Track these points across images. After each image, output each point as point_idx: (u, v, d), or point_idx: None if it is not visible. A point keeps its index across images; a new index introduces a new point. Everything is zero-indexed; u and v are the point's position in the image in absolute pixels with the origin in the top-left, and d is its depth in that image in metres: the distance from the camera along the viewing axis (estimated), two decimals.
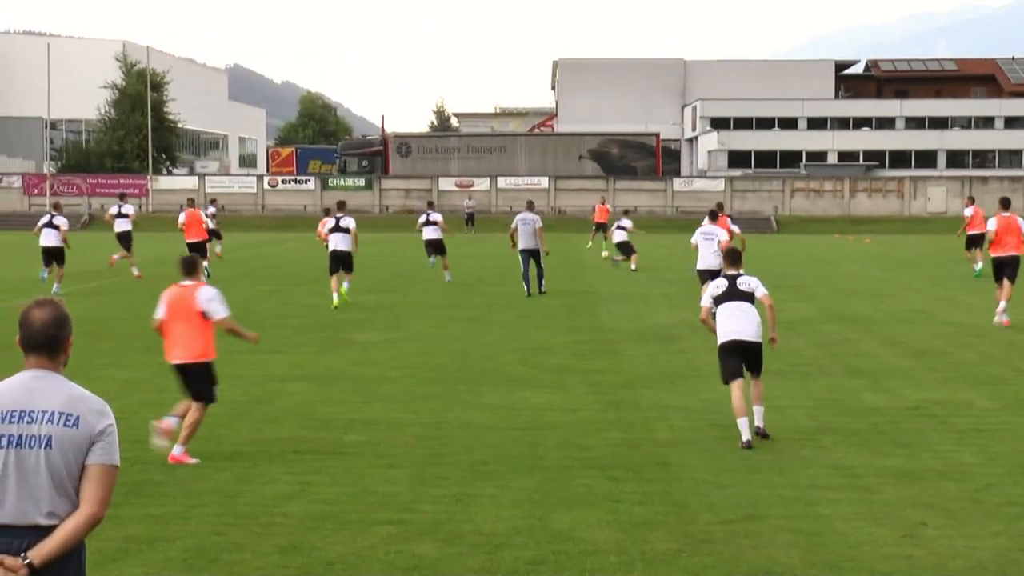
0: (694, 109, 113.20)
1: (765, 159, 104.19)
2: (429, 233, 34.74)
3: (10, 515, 4.83)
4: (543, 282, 29.47)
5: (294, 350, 19.30)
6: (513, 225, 29.50)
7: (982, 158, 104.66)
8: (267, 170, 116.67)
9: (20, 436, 4.88)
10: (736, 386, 12.29)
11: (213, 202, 48.53)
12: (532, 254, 29.24)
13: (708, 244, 24.04)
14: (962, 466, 11.23)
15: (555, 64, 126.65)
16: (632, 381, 16.24)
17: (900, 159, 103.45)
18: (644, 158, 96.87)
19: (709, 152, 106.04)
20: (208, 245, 36.21)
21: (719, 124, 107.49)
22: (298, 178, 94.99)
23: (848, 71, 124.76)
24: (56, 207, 33.15)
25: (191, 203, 35.83)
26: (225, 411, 13.80)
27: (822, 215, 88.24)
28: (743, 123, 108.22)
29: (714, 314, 12.69)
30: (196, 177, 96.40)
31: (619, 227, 41.48)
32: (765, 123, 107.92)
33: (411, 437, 12.50)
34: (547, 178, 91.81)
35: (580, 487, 10.41)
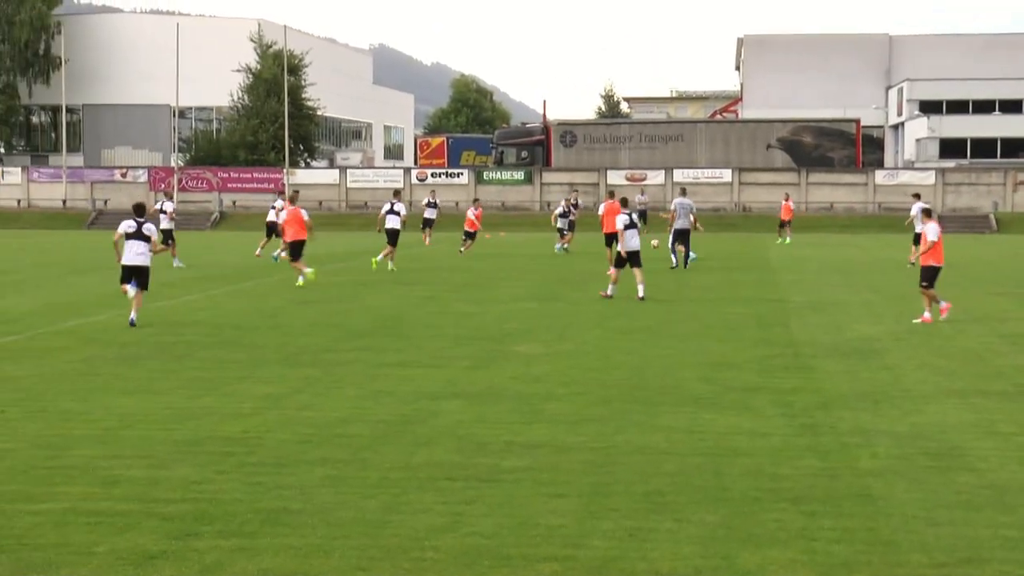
0: (900, 91, 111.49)
1: (983, 148, 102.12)
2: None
3: None
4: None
5: (449, 364, 19.48)
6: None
7: None
8: (415, 162, 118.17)
9: None
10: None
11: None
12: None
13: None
14: None
15: (740, 42, 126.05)
16: (829, 402, 16.03)
17: None
18: (842, 147, 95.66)
19: (917, 140, 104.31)
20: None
21: (929, 108, 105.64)
22: (450, 171, 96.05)
23: None
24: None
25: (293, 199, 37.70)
26: (371, 432, 13.99)
27: None
28: (957, 106, 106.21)
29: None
30: (337, 170, 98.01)
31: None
32: (983, 106, 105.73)
33: (578, 463, 12.51)
34: (730, 170, 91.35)
35: (771, 522, 10.30)
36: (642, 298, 29.83)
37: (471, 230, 50.59)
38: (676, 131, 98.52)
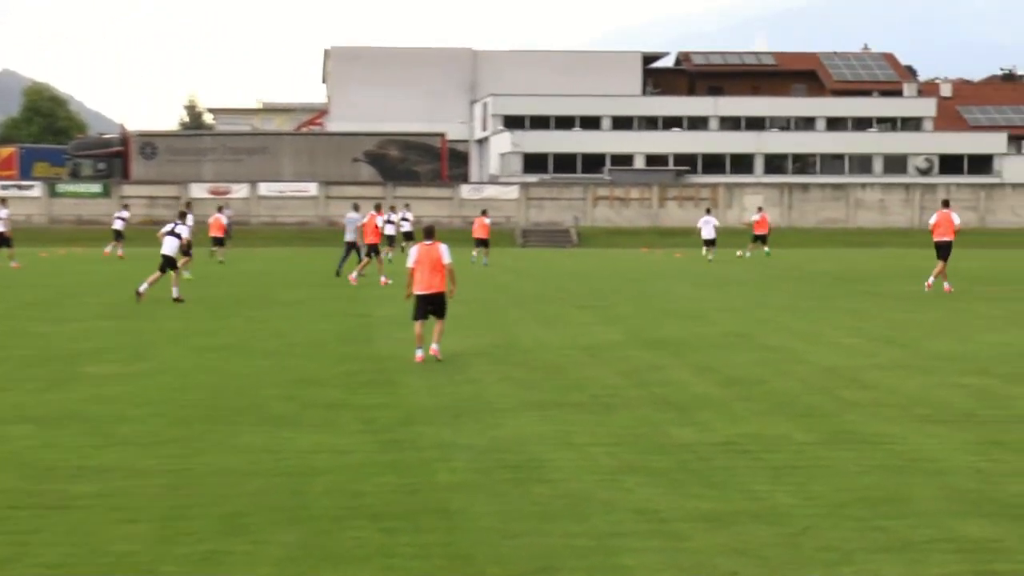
0: (484, 106, 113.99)
1: (564, 163, 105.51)
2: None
3: None
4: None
5: (16, 387, 18.79)
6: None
7: (803, 163, 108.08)
8: None
9: None
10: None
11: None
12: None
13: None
14: (777, 507, 11.56)
15: (326, 53, 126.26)
16: (411, 417, 16.26)
17: (714, 163, 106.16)
18: (428, 161, 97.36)
19: (501, 155, 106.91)
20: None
21: (513, 123, 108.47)
22: (21, 183, 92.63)
23: (656, 64, 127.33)
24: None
25: None
26: None
27: (628, 226, 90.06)
28: (540, 122, 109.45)
29: None
30: None
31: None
32: (564, 122, 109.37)
33: (153, 486, 12.29)
34: (316, 184, 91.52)
35: (349, 540, 10.38)
36: (176, 299, 33.26)
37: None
38: (261, 144, 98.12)
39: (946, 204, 40.47)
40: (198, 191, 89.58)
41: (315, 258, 61.08)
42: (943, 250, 38.42)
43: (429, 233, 22.34)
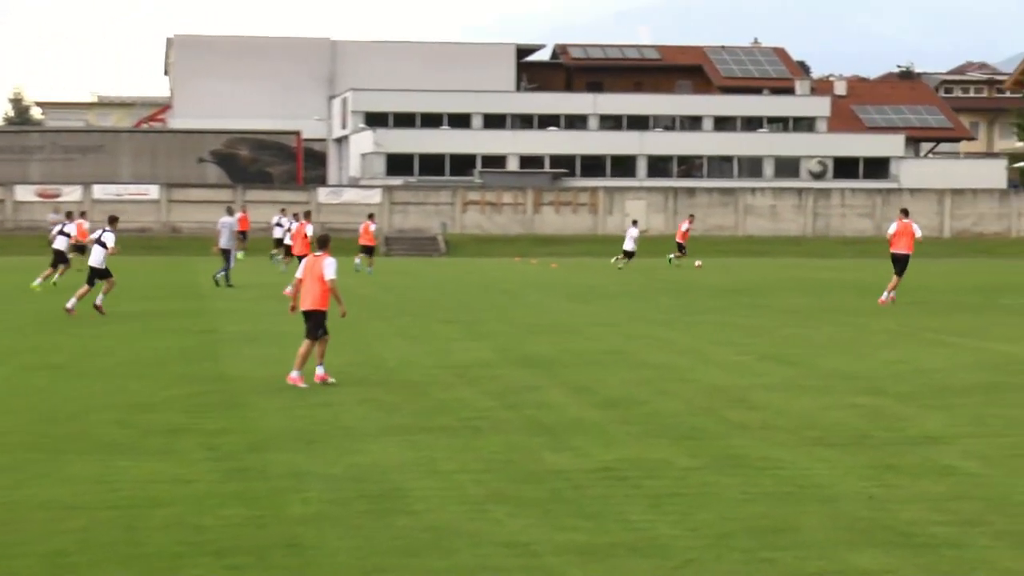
0: (344, 101, 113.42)
1: (431, 164, 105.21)
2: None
3: None
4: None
5: None
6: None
7: (688, 165, 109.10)
8: None
9: None
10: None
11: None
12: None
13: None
14: (658, 539, 11.63)
15: (169, 42, 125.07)
16: (261, 443, 16.16)
17: (594, 165, 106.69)
18: (282, 162, 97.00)
19: (362, 155, 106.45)
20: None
21: (375, 120, 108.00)
22: None
23: (532, 57, 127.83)
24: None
25: None
26: None
27: (501, 234, 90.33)
28: (404, 119, 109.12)
29: None
30: None
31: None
32: (431, 120, 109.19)
33: None
34: (157, 186, 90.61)
35: None
36: (97, 306, 33.68)
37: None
38: (96, 141, 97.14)
39: (905, 213, 40.43)
40: (24, 193, 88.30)
41: (157, 268, 60.52)
42: (901, 264, 38.70)
43: (322, 243, 21.66)
